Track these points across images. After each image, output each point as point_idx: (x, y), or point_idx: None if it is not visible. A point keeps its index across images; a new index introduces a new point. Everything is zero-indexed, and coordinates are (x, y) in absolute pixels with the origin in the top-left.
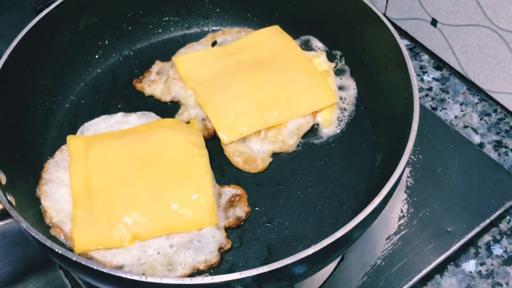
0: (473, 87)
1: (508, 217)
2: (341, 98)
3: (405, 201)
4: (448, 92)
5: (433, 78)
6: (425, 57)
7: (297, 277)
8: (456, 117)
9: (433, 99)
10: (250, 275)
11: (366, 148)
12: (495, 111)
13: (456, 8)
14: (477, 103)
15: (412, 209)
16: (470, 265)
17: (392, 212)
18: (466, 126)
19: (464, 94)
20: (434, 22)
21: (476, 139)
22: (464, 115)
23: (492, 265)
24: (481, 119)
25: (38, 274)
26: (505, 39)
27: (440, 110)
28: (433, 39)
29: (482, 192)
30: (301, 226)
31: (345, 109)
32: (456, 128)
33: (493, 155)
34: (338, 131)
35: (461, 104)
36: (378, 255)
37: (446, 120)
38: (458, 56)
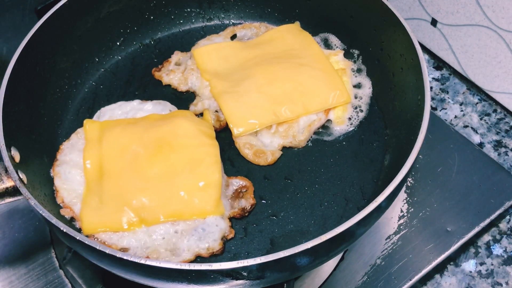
0: (473, 87)
1: (508, 217)
2: (356, 97)
3: (405, 201)
4: (448, 92)
5: (433, 78)
6: (425, 57)
7: (300, 268)
8: (456, 117)
9: (433, 99)
10: (255, 263)
11: (377, 148)
12: (495, 111)
13: (456, 8)
14: (477, 103)
15: (412, 209)
16: (470, 265)
17: (392, 212)
18: (466, 126)
19: (464, 94)
20: (434, 22)
21: (476, 139)
22: (464, 115)
23: (492, 264)
24: (481, 119)
25: (40, 257)
26: (505, 39)
27: (440, 110)
28: (433, 39)
29: (482, 192)
30: (305, 221)
31: (359, 108)
32: (456, 128)
33: (493, 155)
34: (350, 130)
35: (460, 104)
36: (378, 255)
37: (446, 120)
38: (458, 56)
